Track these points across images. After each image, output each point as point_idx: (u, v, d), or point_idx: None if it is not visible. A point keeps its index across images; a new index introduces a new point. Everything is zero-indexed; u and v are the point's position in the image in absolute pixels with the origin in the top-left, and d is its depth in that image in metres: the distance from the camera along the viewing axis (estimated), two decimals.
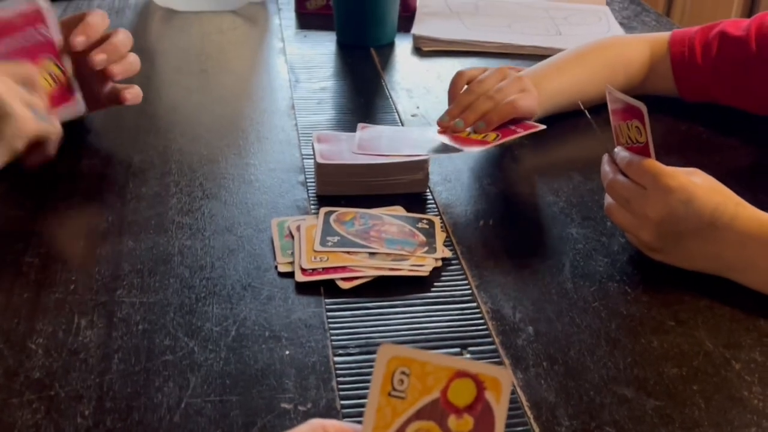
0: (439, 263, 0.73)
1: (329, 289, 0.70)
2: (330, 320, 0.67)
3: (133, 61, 0.88)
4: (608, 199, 0.74)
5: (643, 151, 0.71)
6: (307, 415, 0.57)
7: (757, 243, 0.67)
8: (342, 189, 0.83)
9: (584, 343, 0.65)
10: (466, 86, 0.92)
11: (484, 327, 0.66)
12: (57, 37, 0.84)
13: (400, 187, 0.84)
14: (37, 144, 0.74)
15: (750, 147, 0.96)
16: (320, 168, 0.83)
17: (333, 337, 0.65)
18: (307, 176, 0.87)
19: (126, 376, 0.60)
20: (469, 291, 0.71)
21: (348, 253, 0.73)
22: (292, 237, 0.75)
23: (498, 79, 0.90)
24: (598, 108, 0.80)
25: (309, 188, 0.85)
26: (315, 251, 0.73)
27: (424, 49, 1.26)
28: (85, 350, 0.62)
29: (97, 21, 0.86)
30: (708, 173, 0.71)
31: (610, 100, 0.74)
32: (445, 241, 0.76)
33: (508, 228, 0.81)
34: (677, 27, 1.23)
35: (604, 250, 0.76)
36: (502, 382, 0.40)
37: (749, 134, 0.98)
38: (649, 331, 0.66)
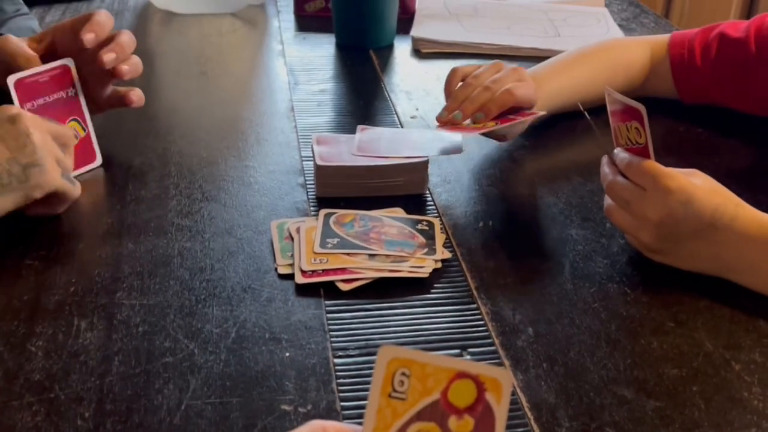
0: (439, 265, 0.73)
1: (329, 290, 0.70)
2: (330, 322, 0.67)
3: (138, 62, 0.88)
4: (608, 201, 0.74)
5: (642, 153, 0.71)
6: (307, 417, 0.57)
7: (757, 244, 0.67)
8: (341, 191, 0.83)
9: (584, 344, 0.65)
10: (461, 83, 0.91)
11: (484, 328, 0.66)
12: (82, 96, 0.87)
13: (400, 189, 0.84)
14: (50, 198, 0.75)
15: (750, 148, 0.96)
16: (320, 170, 0.83)
17: (333, 339, 0.65)
18: (306, 178, 0.87)
19: (126, 378, 0.60)
20: (469, 292, 0.71)
21: (348, 254, 0.73)
22: (292, 239, 0.75)
23: (494, 72, 0.89)
24: (598, 109, 0.80)
25: (308, 190, 0.85)
26: (315, 253, 0.73)
27: (423, 51, 1.26)
28: (85, 352, 0.62)
29: (105, 20, 0.86)
30: (707, 174, 0.71)
31: (609, 102, 0.74)
32: (444, 243, 0.76)
33: (507, 229, 0.81)
34: (676, 29, 1.23)
35: (604, 251, 0.76)
36: (503, 383, 0.40)
37: (749, 135, 0.98)
38: (649, 332, 0.66)
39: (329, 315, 0.67)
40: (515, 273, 0.73)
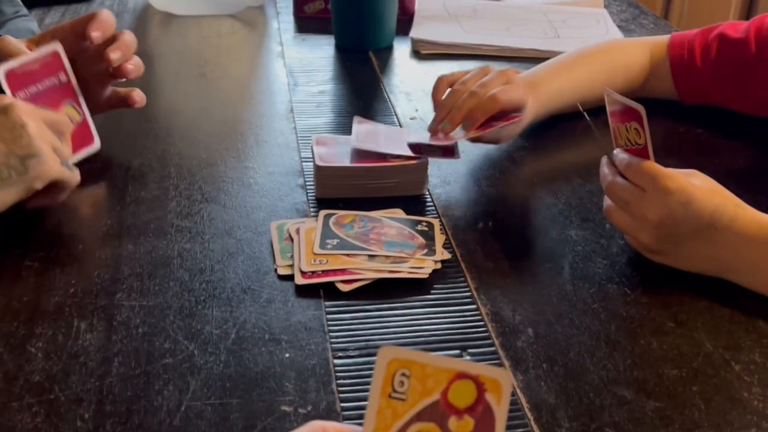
0: (439, 265, 0.73)
1: (329, 291, 0.70)
2: (330, 323, 0.67)
3: (140, 62, 0.88)
4: (607, 201, 0.74)
5: (642, 153, 0.71)
6: (307, 418, 0.57)
7: (757, 244, 0.67)
8: (341, 192, 0.83)
9: (584, 345, 0.65)
10: (448, 90, 0.91)
11: (484, 329, 0.66)
12: (74, 80, 0.86)
13: (400, 190, 0.84)
14: (50, 188, 0.75)
15: (749, 149, 0.96)
16: (319, 171, 0.83)
17: (333, 340, 0.65)
18: (306, 179, 0.87)
19: (126, 380, 0.60)
20: (469, 293, 0.71)
21: (347, 255, 0.73)
22: (292, 240, 0.75)
23: (481, 76, 0.89)
24: (597, 110, 0.80)
25: (308, 191, 0.85)
26: (314, 254, 0.73)
27: (423, 52, 1.27)
28: (84, 354, 0.62)
29: (109, 19, 0.86)
30: (707, 175, 0.71)
31: (608, 102, 0.74)
32: (444, 244, 0.76)
33: (507, 230, 0.81)
34: (675, 30, 1.23)
35: (604, 251, 0.76)
36: (503, 383, 0.40)
37: (748, 136, 0.98)
38: (649, 333, 0.66)
39: (329, 316, 0.67)
40: (515, 274, 0.73)
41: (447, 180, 0.89)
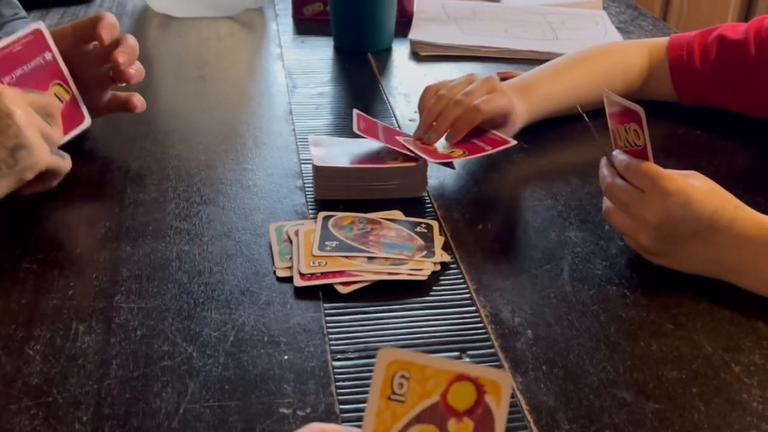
0: (438, 267, 0.73)
1: (328, 293, 0.70)
2: (329, 325, 0.66)
3: (141, 67, 0.89)
4: (606, 203, 0.74)
5: (641, 155, 0.71)
6: (306, 420, 0.57)
7: (756, 246, 0.67)
8: (340, 193, 0.83)
9: (583, 347, 0.65)
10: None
11: (483, 331, 0.66)
12: (59, 58, 0.85)
13: (399, 192, 0.84)
14: (43, 175, 0.74)
15: (749, 150, 0.96)
16: (318, 171, 0.83)
17: (332, 342, 0.65)
18: (305, 181, 0.87)
19: (124, 382, 0.60)
20: (468, 295, 0.71)
21: (346, 257, 0.73)
22: (291, 242, 0.75)
23: (466, 84, 0.90)
24: (596, 112, 0.80)
25: (307, 193, 0.85)
26: (313, 256, 0.72)
27: (422, 54, 1.27)
28: (83, 356, 0.62)
29: (115, 22, 0.86)
30: (706, 176, 0.71)
31: (607, 104, 0.74)
32: (443, 246, 0.76)
33: (506, 232, 0.81)
34: (674, 31, 1.23)
35: (603, 253, 0.76)
36: (502, 385, 0.39)
37: (748, 137, 0.98)
38: (648, 335, 0.66)
39: (328, 318, 0.67)
40: (514, 275, 0.73)
41: (446, 182, 0.88)
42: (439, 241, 0.76)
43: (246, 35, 1.38)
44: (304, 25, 1.39)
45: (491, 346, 0.65)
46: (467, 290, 0.71)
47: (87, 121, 0.88)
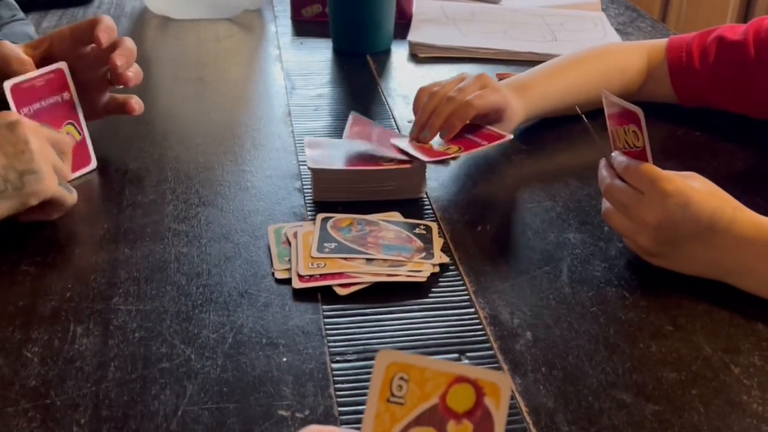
0: (437, 269, 0.73)
1: (326, 295, 0.69)
2: (327, 327, 0.66)
3: (139, 70, 0.89)
4: (606, 204, 0.74)
5: (640, 156, 0.71)
6: (304, 422, 0.57)
7: (756, 247, 0.67)
8: (339, 195, 0.83)
9: (583, 349, 0.64)
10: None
11: (482, 333, 0.66)
12: (76, 99, 0.87)
13: (398, 193, 0.84)
14: (45, 205, 0.75)
15: (748, 151, 0.96)
16: (317, 174, 0.83)
17: (330, 344, 0.64)
18: (303, 183, 0.87)
19: (122, 384, 0.60)
20: (467, 296, 0.70)
21: (345, 259, 0.72)
22: (289, 243, 0.75)
23: (458, 82, 0.90)
24: (595, 113, 0.80)
25: (306, 195, 0.85)
26: (312, 257, 0.72)
27: (421, 55, 1.27)
28: (81, 358, 0.62)
29: (113, 25, 0.86)
30: (706, 177, 0.71)
31: (606, 105, 0.74)
32: (442, 247, 0.76)
33: (505, 233, 0.81)
34: (673, 33, 1.23)
35: (602, 255, 0.76)
36: (502, 387, 0.39)
37: (747, 138, 0.98)
38: (648, 336, 0.66)
39: (327, 320, 0.67)
40: (513, 277, 0.73)
41: (445, 183, 0.88)
42: (438, 242, 0.76)
43: (245, 37, 1.38)
44: (303, 27, 1.39)
45: (490, 348, 0.65)
46: (466, 292, 0.71)
47: (93, 164, 0.89)
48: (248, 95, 1.15)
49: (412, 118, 1.03)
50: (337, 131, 1.00)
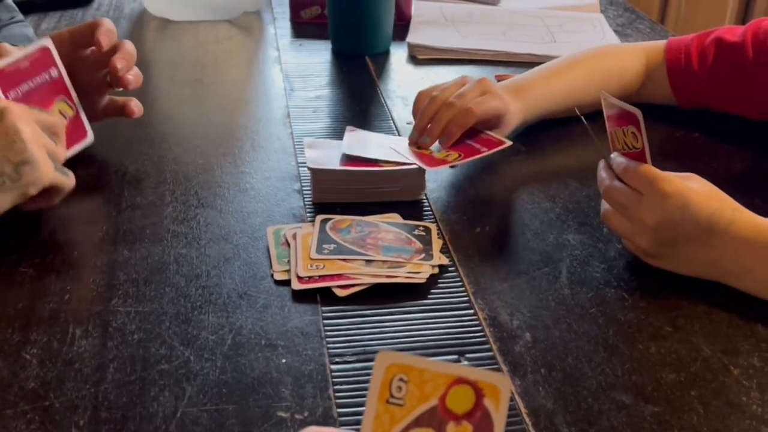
0: (436, 270, 0.73)
1: (326, 296, 0.69)
2: (327, 328, 0.66)
3: (139, 73, 0.89)
4: (605, 205, 0.74)
5: (639, 157, 0.71)
6: (303, 424, 0.57)
7: (755, 248, 0.67)
8: (338, 196, 0.83)
9: (582, 350, 0.64)
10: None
11: (482, 334, 0.66)
12: (65, 75, 0.86)
13: (397, 195, 0.84)
14: (46, 191, 0.74)
15: (747, 152, 0.96)
16: (316, 174, 0.83)
17: (330, 345, 0.64)
18: (302, 184, 0.87)
19: (121, 386, 0.59)
20: (466, 298, 0.70)
21: (344, 260, 0.72)
22: (288, 245, 0.75)
23: (458, 86, 0.90)
24: (594, 114, 0.80)
25: (305, 196, 0.85)
26: (311, 259, 0.72)
27: (419, 57, 1.27)
28: (80, 360, 0.62)
29: (113, 29, 0.86)
30: (705, 179, 0.71)
31: (605, 106, 0.74)
32: (441, 248, 0.76)
33: (504, 235, 0.81)
34: (671, 34, 1.23)
35: (601, 256, 0.76)
36: (501, 388, 0.39)
37: (746, 139, 0.98)
38: (647, 337, 0.66)
39: (326, 321, 0.67)
40: (512, 278, 0.73)
41: (444, 184, 0.88)
42: (437, 244, 0.76)
43: (244, 38, 1.38)
44: (302, 29, 1.39)
45: (489, 350, 0.65)
46: (465, 293, 0.71)
47: (90, 137, 0.89)
48: (247, 97, 1.15)
49: (411, 120, 1.02)
50: (336, 132, 1.00)
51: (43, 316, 0.66)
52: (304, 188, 0.86)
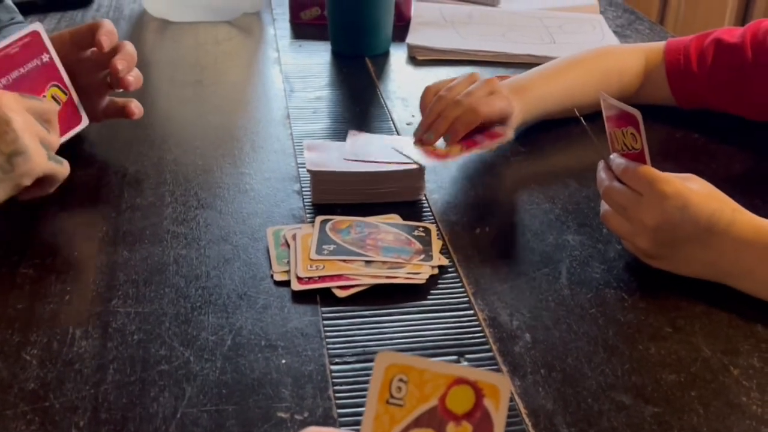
0: (436, 271, 0.73)
1: (325, 297, 0.69)
2: (326, 329, 0.66)
3: (139, 74, 0.89)
4: (604, 206, 0.74)
5: (638, 158, 0.71)
6: (303, 424, 0.57)
7: (754, 249, 0.67)
8: (338, 197, 0.83)
9: (582, 350, 0.64)
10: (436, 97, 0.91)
11: (481, 334, 0.66)
12: (57, 59, 0.84)
13: (397, 196, 0.84)
14: (41, 180, 0.74)
15: (746, 153, 0.96)
16: (316, 176, 0.83)
17: (329, 346, 0.64)
18: (302, 185, 0.87)
19: (121, 387, 0.59)
20: (466, 298, 0.70)
21: (344, 261, 0.72)
22: (288, 246, 0.75)
23: (467, 84, 0.89)
24: (593, 115, 0.80)
25: (304, 197, 0.85)
26: (311, 260, 0.72)
27: (419, 58, 1.27)
28: (79, 361, 0.62)
29: (113, 30, 0.86)
30: (704, 179, 0.71)
31: (604, 107, 0.74)
32: (441, 249, 0.76)
33: (504, 235, 0.81)
34: (671, 35, 1.23)
35: (601, 257, 0.76)
36: (501, 389, 0.39)
37: (745, 140, 0.98)
38: (647, 338, 0.66)
39: (326, 322, 0.67)
40: (512, 279, 0.73)
41: (444, 185, 0.88)
42: (436, 244, 0.76)
43: (243, 40, 1.38)
44: (302, 30, 1.39)
45: (489, 350, 0.65)
46: (465, 294, 0.71)
47: (84, 122, 0.88)
48: (247, 98, 1.15)
49: (411, 120, 1.03)
50: (336, 133, 1.00)
51: (43, 317, 0.66)
52: (303, 189, 0.86)
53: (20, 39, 0.81)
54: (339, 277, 0.71)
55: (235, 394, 0.59)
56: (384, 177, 0.83)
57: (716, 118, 1.01)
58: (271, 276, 0.72)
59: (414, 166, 0.84)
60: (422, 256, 0.74)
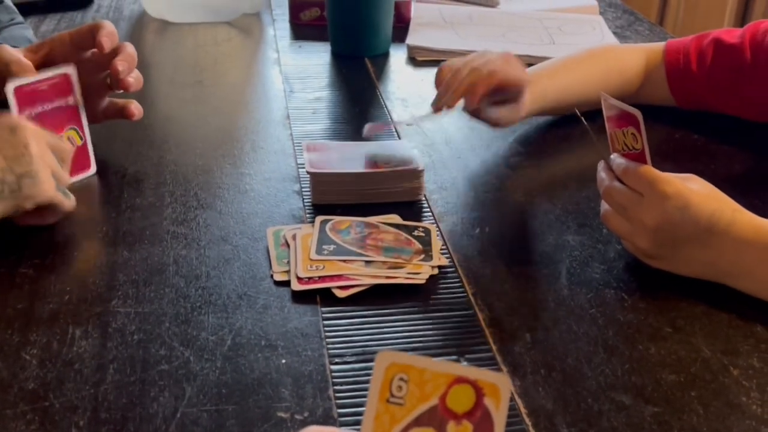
0: (436, 271, 0.73)
1: (325, 297, 0.69)
2: (326, 329, 0.66)
3: (140, 75, 0.89)
4: (604, 206, 0.74)
5: (639, 158, 0.71)
6: (303, 424, 0.57)
7: (755, 249, 0.67)
8: (338, 198, 0.83)
9: (581, 351, 0.64)
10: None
11: (481, 334, 0.66)
12: (81, 104, 0.87)
13: (397, 196, 0.84)
14: (42, 208, 0.75)
15: (746, 153, 0.96)
16: (315, 176, 0.83)
17: (329, 346, 0.64)
18: (302, 185, 0.87)
19: (121, 387, 0.59)
20: (466, 298, 0.70)
21: (344, 261, 0.72)
22: (288, 246, 0.75)
23: (482, 57, 0.90)
24: (593, 115, 0.80)
25: (304, 197, 0.85)
26: (311, 260, 0.72)
27: (419, 58, 1.27)
28: (79, 361, 0.62)
29: (114, 31, 0.87)
30: (704, 179, 0.71)
31: (605, 107, 0.74)
32: (441, 249, 0.76)
33: (504, 235, 0.81)
34: (670, 36, 1.23)
35: (601, 257, 0.76)
36: (501, 388, 0.39)
37: (745, 140, 0.98)
38: (647, 338, 0.66)
39: (326, 322, 0.67)
40: (512, 279, 0.73)
41: (444, 185, 0.88)
42: (436, 244, 0.76)
43: (243, 40, 1.38)
44: (302, 30, 1.39)
45: (489, 350, 0.65)
46: (465, 294, 0.71)
47: (92, 169, 0.89)
48: (247, 99, 1.15)
49: (411, 121, 1.03)
50: (336, 134, 1.00)
51: (43, 317, 0.66)
52: (303, 189, 0.86)
53: (51, 78, 0.83)
54: (339, 277, 0.71)
55: (235, 394, 0.59)
56: (384, 177, 0.83)
57: (716, 118, 1.01)
58: (271, 276, 0.72)
59: (414, 166, 0.84)
60: (422, 257, 0.74)
